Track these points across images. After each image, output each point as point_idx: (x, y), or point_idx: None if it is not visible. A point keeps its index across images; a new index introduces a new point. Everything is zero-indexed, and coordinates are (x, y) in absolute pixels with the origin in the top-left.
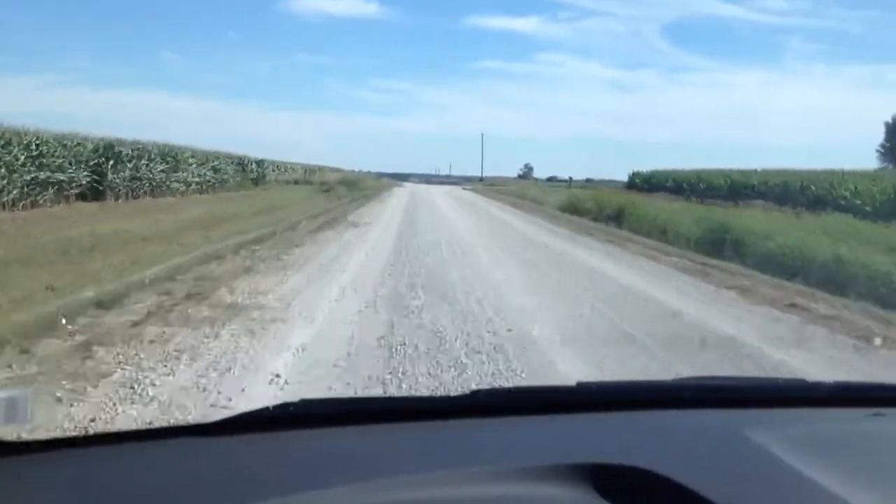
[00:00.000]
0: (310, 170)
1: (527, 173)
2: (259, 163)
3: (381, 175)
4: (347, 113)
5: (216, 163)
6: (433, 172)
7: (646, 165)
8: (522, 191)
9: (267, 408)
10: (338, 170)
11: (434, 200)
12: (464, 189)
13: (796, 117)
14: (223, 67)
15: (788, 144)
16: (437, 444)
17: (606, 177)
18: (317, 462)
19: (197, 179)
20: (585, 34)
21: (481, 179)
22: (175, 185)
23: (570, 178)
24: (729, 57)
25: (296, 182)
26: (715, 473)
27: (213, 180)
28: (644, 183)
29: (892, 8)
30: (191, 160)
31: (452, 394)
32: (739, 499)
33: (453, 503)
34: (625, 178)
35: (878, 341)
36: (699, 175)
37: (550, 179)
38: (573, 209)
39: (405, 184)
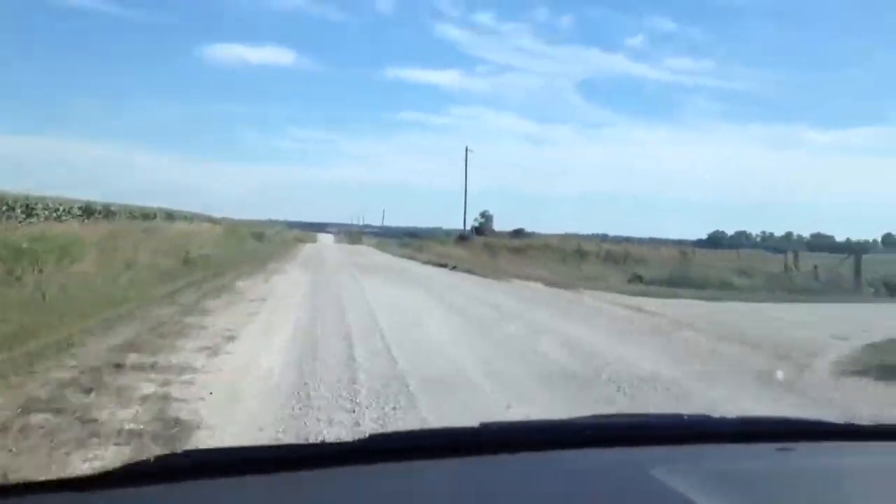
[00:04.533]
0: None
1: (484, 224)
2: None
3: (293, 225)
4: (266, 162)
5: None
6: (357, 222)
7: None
8: None
9: (147, 460)
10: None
11: None
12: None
13: (701, 174)
14: (138, 115)
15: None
16: (331, 493)
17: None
18: None
19: None
20: (502, 88)
21: (476, 230)
22: None
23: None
24: (639, 114)
25: None
26: None
27: None
28: None
29: (794, 69)
30: None
31: (348, 439)
32: None
33: None
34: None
35: None
36: None
37: (517, 233)
38: None
39: (320, 237)
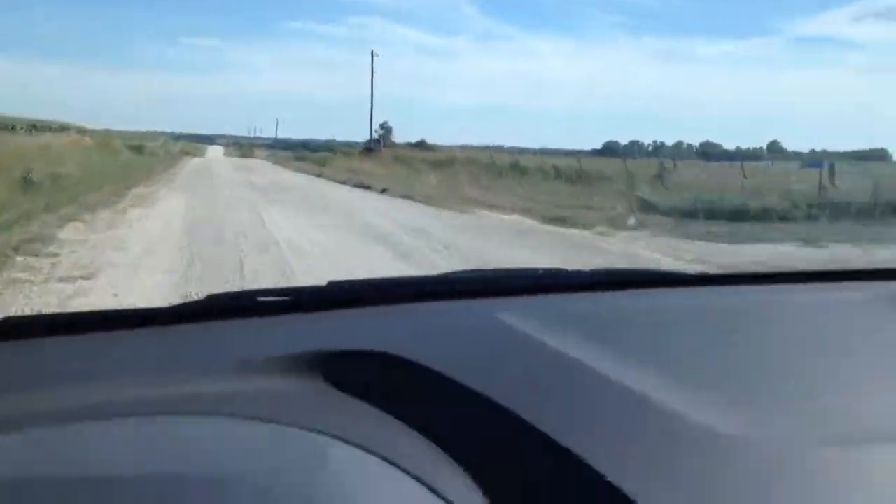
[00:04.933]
0: None
1: (384, 136)
2: None
3: (181, 137)
4: (152, 72)
5: None
6: (249, 134)
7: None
8: None
9: None
10: None
11: None
12: None
13: (595, 86)
14: (13, 20)
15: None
16: (158, 348)
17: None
18: (17, 373)
19: None
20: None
21: (377, 141)
22: None
23: None
24: (535, 27)
25: None
26: (463, 355)
27: None
28: None
29: None
30: None
31: (186, 300)
32: (489, 378)
33: (163, 402)
34: None
35: None
36: None
37: (419, 145)
38: None
39: (208, 150)
